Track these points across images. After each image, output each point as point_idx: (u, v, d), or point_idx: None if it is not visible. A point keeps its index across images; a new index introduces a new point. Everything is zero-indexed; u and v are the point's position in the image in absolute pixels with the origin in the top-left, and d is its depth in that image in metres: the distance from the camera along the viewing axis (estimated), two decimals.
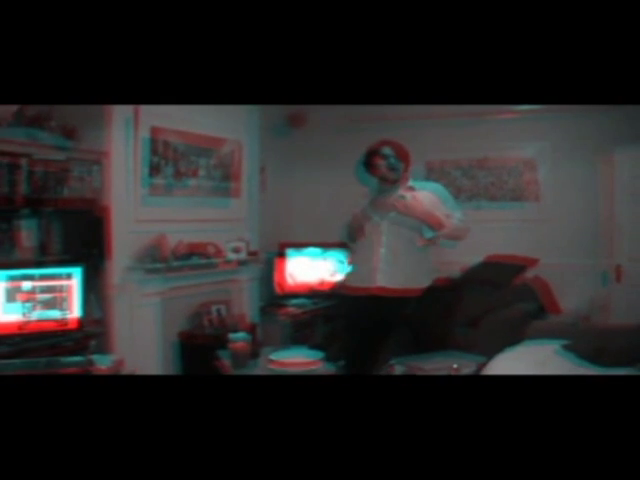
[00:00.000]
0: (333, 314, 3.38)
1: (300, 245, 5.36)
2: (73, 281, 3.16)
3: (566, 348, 2.77)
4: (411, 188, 2.99)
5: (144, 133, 3.68)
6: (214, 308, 4.14)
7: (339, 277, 5.09)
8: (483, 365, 2.72)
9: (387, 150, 2.95)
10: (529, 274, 4.56)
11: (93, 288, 3.33)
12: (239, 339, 3.03)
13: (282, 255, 5.24)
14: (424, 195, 2.94)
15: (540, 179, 5.11)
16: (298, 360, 2.98)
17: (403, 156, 2.99)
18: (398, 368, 2.79)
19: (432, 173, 5.38)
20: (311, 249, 5.34)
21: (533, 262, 4.57)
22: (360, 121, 5.60)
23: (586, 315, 4.39)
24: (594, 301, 4.60)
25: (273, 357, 3.00)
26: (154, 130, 3.75)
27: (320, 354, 3.05)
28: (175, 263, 3.75)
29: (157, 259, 3.66)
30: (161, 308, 3.70)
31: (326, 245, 5.31)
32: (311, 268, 5.28)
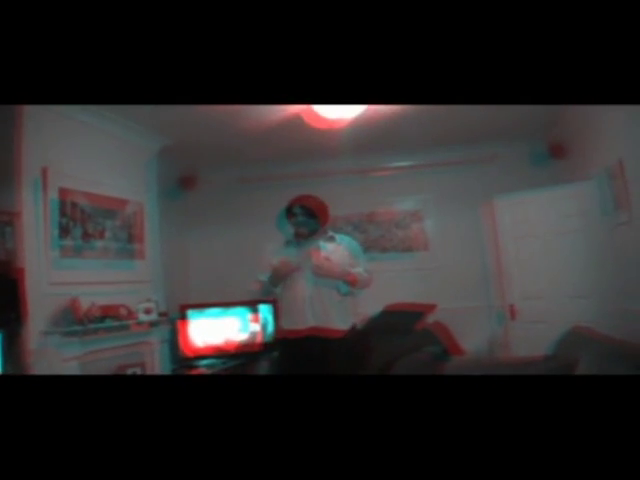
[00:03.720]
0: (277, 361, 3.32)
1: (201, 306, 5.35)
2: None
3: None
4: (332, 238, 3.11)
5: (52, 194, 3.59)
6: (130, 371, 3.99)
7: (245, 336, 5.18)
8: None
9: (296, 209, 3.05)
10: (428, 320, 4.86)
11: (9, 355, 3.10)
12: None
13: (183, 317, 5.20)
14: (339, 247, 3.10)
15: (426, 229, 5.63)
16: None
17: (317, 212, 3.07)
18: None
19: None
20: (212, 309, 5.34)
21: (431, 308, 4.90)
22: (249, 181, 5.84)
23: (488, 354, 4.74)
24: (493, 340, 4.96)
25: None
26: (62, 191, 3.67)
27: None
28: (91, 326, 3.61)
29: (72, 322, 3.50)
30: (79, 374, 3.50)
31: (226, 304, 5.36)
32: (214, 328, 5.28)
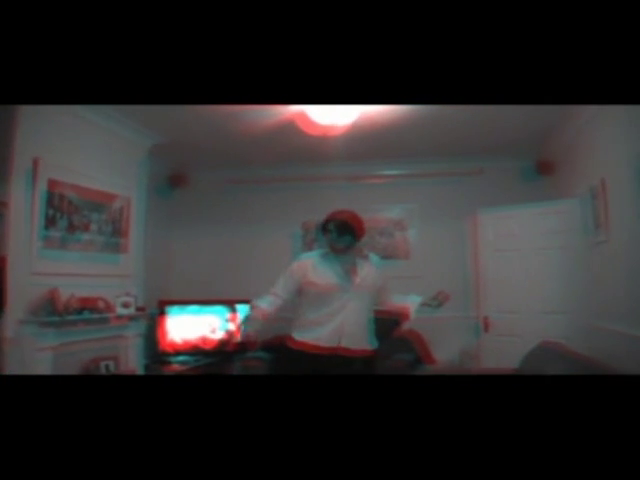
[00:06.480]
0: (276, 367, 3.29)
1: (180, 303, 5.42)
2: None
3: None
4: (366, 257, 3.08)
5: (42, 185, 3.65)
6: (103, 364, 4.05)
7: (223, 334, 5.26)
8: None
9: (330, 225, 3.01)
10: (404, 327, 4.99)
11: None
12: None
13: (162, 313, 5.26)
14: (372, 267, 3.07)
15: (409, 238, 5.73)
16: None
17: (352, 227, 3.00)
18: None
19: (308, 233, 5.79)
20: (190, 306, 5.42)
21: (407, 316, 5.02)
22: (238, 182, 5.91)
23: (459, 365, 4.85)
24: (465, 351, 5.06)
25: None
26: (51, 183, 3.73)
27: None
28: (69, 317, 3.67)
29: (50, 313, 3.57)
30: (53, 364, 3.57)
31: (205, 302, 5.44)
32: (191, 325, 5.35)
